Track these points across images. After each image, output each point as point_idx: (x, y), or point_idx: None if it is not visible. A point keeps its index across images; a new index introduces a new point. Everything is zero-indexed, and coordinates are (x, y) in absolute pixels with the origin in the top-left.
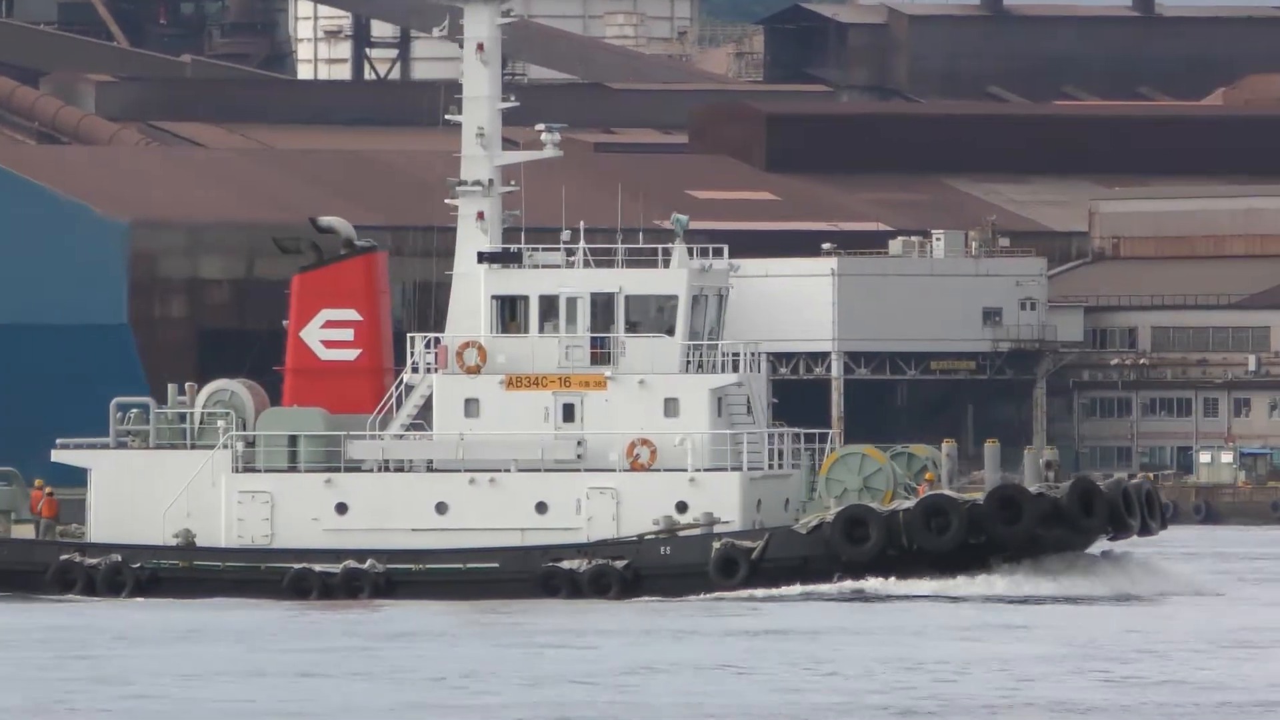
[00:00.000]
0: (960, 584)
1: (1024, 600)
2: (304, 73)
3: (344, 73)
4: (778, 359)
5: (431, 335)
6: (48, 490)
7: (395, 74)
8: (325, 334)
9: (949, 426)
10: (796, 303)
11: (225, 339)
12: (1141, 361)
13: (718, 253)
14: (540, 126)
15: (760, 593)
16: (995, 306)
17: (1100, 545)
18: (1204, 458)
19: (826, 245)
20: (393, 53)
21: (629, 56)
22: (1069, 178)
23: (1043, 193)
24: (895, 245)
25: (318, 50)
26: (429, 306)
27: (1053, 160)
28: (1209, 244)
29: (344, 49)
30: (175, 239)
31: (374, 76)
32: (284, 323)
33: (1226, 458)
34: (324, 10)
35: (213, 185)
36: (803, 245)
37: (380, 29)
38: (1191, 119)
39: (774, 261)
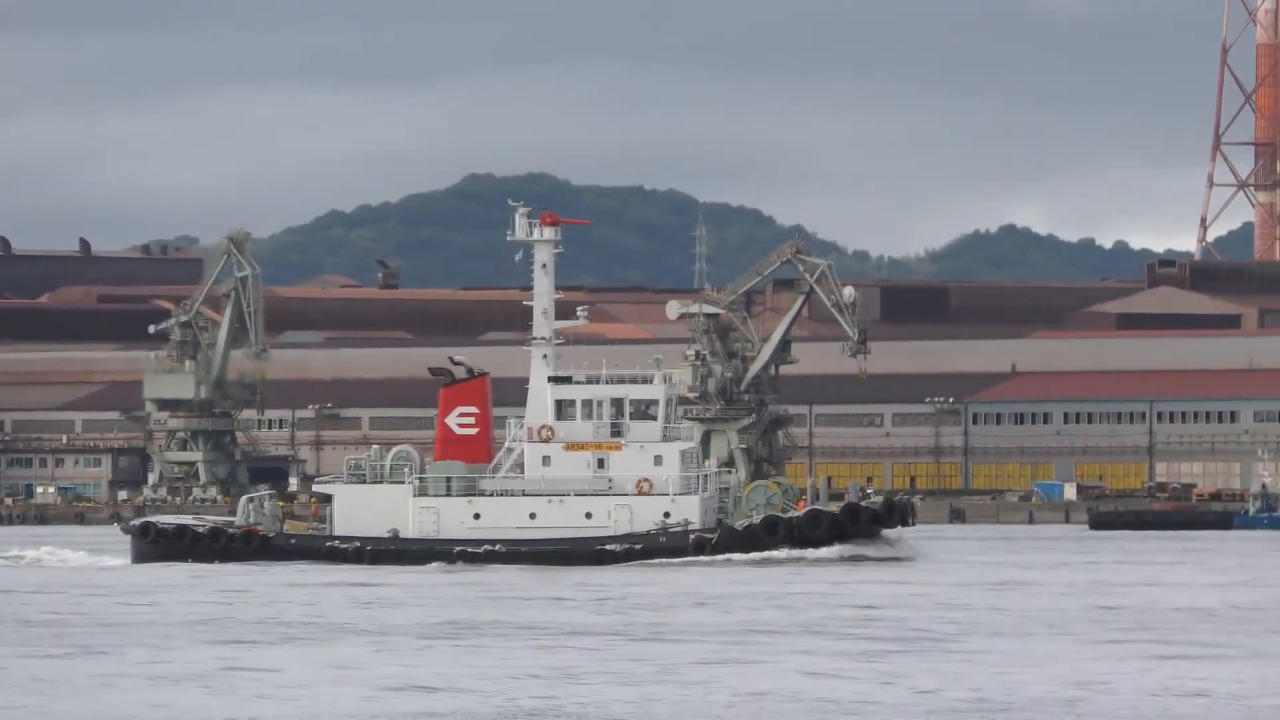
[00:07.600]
0: (820, 553)
1: (853, 559)
2: None
3: None
4: None
5: (519, 419)
6: (313, 500)
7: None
8: (459, 420)
9: None
10: None
11: None
12: None
13: None
14: (580, 309)
15: (720, 558)
16: None
17: (889, 533)
18: None
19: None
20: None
21: None
22: None
23: None
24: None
25: None
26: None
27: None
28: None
29: None
30: None
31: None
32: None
33: None
34: None
35: None
36: None
37: None
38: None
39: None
